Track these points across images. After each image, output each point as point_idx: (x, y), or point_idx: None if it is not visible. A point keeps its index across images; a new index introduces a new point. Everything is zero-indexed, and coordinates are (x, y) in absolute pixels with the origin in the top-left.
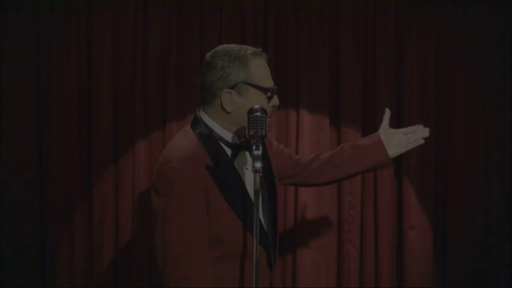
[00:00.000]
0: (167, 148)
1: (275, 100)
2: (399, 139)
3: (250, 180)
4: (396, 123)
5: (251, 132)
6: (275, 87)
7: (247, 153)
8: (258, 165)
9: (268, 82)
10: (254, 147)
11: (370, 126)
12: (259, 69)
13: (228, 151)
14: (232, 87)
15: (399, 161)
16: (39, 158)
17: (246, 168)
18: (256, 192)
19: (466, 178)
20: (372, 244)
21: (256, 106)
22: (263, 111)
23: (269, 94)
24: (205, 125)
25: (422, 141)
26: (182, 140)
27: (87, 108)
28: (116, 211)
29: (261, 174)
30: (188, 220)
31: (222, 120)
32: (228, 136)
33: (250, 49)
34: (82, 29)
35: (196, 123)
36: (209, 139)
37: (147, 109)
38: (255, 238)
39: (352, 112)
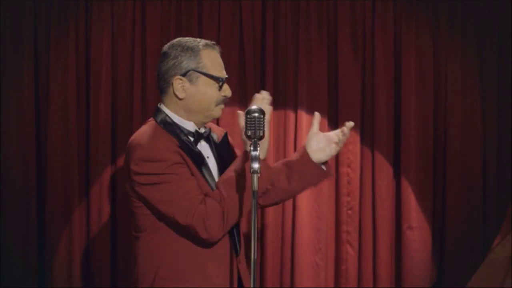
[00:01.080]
0: (134, 137)
1: (227, 91)
2: (325, 143)
3: (213, 169)
4: (395, 123)
5: (249, 133)
6: (227, 77)
7: (207, 143)
8: (256, 165)
9: (219, 72)
10: (251, 148)
11: (368, 126)
12: (210, 59)
13: (190, 140)
14: (183, 74)
15: (398, 161)
16: (37, 159)
17: (208, 157)
18: (253, 193)
19: (464, 178)
20: (371, 245)
21: (254, 107)
22: (261, 111)
23: (220, 83)
24: (166, 115)
25: (347, 135)
26: (147, 128)
27: (85, 108)
28: (114, 211)
29: (259, 175)
30: (189, 177)
31: (178, 109)
32: (187, 125)
33: (203, 41)
34: (80, 29)
35: (157, 114)
36: (171, 126)
37: (145, 109)
38: (253, 238)
39: (350, 113)
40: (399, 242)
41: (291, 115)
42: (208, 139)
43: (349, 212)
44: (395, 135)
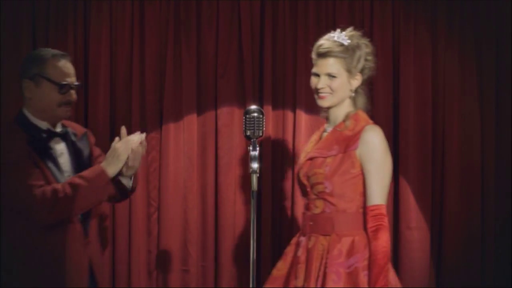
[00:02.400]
0: None
1: (70, 96)
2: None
3: (64, 163)
4: (393, 123)
5: (248, 133)
6: (67, 84)
7: (63, 141)
8: (255, 165)
9: (62, 79)
10: (251, 148)
11: None
12: (55, 67)
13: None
14: (30, 78)
15: (396, 161)
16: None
17: (62, 153)
18: (252, 193)
19: (463, 178)
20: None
21: (253, 107)
22: (260, 112)
23: (63, 90)
24: (23, 114)
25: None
26: (4, 126)
27: (84, 109)
28: (113, 211)
29: (258, 175)
30: (30, 167)
31: (29, 108)
32: (41, 124)
33: (53, 51)
34: (78, 30)
35: (18, 113)
36: (25, 124)
37: (143, 110)
38: (252, 238)
39: None
40: (397, 242)
41: (289, 115)
42: (65, 137)
43: None
44: (393, 135)
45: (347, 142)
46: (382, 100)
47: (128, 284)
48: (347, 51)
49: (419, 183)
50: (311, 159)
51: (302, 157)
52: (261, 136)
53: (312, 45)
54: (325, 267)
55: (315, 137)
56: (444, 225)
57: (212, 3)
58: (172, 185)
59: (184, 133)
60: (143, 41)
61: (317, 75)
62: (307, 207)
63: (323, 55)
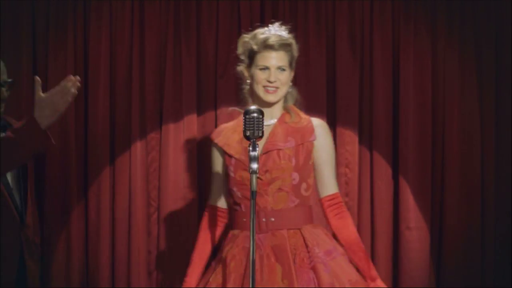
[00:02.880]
0: None
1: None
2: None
3: None
4: (393, 124)
5: (248, 133)
6: (3, 81)
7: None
8: (255, 166)
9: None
10: (251, 148)
11: (367, 127)
12: None
13: None
14: None
15: (396, 162)
16: (35, 160)
17: None
18: (252, 193)
19: (463, 179)
20: (369, 245)
21: (253, 107)
22: (260, 112)
23: None
24: None
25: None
26: None
27: (84, 109)
28: (113, 211)
29: (257, 175)
30: None
31: None
32: None
33: None
34: (78, 30)
35: None
36: None
37: (143, 110)
38: (252, 238)
39: (348, 113)
40: (397, 242)
41: None
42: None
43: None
44: (393, 135)
45: (302, 133)
46: (382, 100)
47: (127, 284)
48: (291, 45)
49: (419, 183)
50: (266, 152)
51: (239, 154)
52: (261, 136)
53: (311, 44)
54: (309, 261)
55: (237, 135)
56: (443, 225)
57: (211, 3)
58: (172, 185)
59: (184, 133)
60: (143, 41)
61: (266, 68)
62: (258, 205)
63: (272, 47)
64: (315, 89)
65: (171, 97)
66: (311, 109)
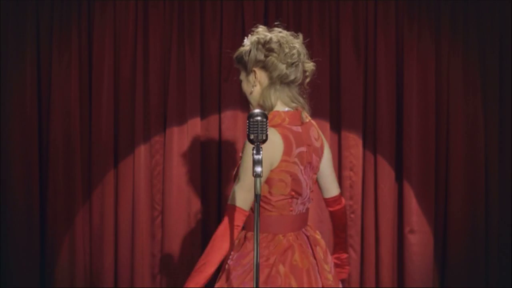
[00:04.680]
0: None
1: None
2: None
3: None
4: (397, 127)
5: (252, 136)
6: None
7: None
8: (259, 169)
9: None
10: (254, 152)
11: (371, 130)
12: None
13: None
14: None
15: (400, 165)
16: (40, 162)
17: None
18: (256, 196)
19: (466, 182)
20: (373, 248)
21: (256, 111)
22: (264, 115)
23: None
24: None
25: None
26: None
27: (88, 111)
28: (116, 215)
29: (261, 178)
30: None
31: None
32: None
33: None
34: (82, 30)
35: None
36: None
37: (147, 113)
38: (256, 241)
39: (352, 116)
40: (401, 245)
41: None
42: None
43: (352, 215)
44: (397, 138)
45: None
46: (386, 103)
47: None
48: (240, 57)
49: (422, 186)
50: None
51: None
52: (265, 139)
53: (315, 46)
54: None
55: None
56: (447, 229)
57: (215, 4)
58: (176, 189)
59: (188, 137)
60: (146, 44)
61: None
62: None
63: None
64: (319, 92)
65: (175, 101)
66: (315, 113)
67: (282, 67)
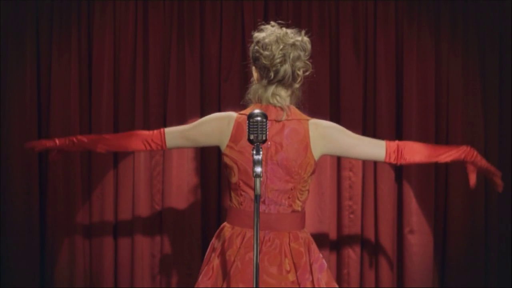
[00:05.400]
0: None
1: None
2: None
3: None
4: (396, 127)
5: (252, 137)
6: None
7: None
8: (259, 169)
9: None
10: (254, 152)
11: (370, 130)
12: None
13: None
14: None
15: (400, 166)
16: (39, 162)
17: None
18: (256, 197)
19: (466, 182)
20: (372, 249)
21: (257, 111)
22: (264, 115)
23: None
24: None
25: None
26: None
27: (88, 110)
28: (116, 215)
29: (261, 179)
30: None
31: None
32: None
33: None
34: (82, 30)
35: None
36: None
37: (147, 113)
38: (256, 241)
39: (352, 116)
40: (400, 246)
41: None
42: None
43: (351, 216)
44: (397, 138)
45: None
46: (385, 103)
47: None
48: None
49: (422, 186)
50: None
51: None
52: (265, 140)
53: (315, 46)
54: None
55: None
56: (447, 229)
57: (215, 4)
58: (176, 189)
59: None
60: (146, 44)
61: None
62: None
63: None
64: (318, 92)
65: (174, 101)
66: (315, 113)
67: (266, 67)
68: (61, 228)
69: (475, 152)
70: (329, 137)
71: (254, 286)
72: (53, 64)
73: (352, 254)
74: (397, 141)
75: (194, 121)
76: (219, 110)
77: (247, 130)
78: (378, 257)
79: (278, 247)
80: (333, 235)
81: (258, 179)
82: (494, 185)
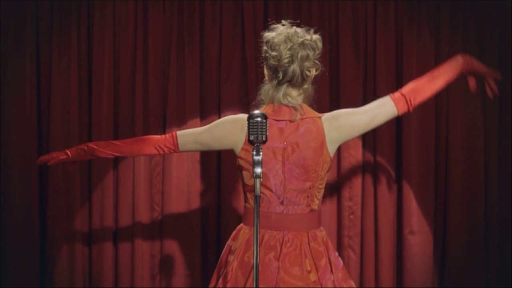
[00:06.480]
0: None
1: None
2: None
3: None
4: (396, 127)
5: (252, 138)
6: None
7: None
8: (259, 170)
9: None
10: (254, 153)
11: (370, 131)
12: None
13: None
14: None
15: (399, 166)
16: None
17: None
18: (256, 198)
19: (466, 183)
20: (372, 249)
21: (257, 112)
22: (264, 116)
23: None
24: None
25: None
26: None
27: (87, 111)
28: (116, 215)
29: (261, 179)
30: None
31: None
32: None
33: None
34: (82, 30)
35: None
36: None
37: (147, 114)
38: (256, 242)
39: None
40: (400, 246)
41: None
42: None
43: (351, 216)
44: (396, 139)
45: None
46: None
47: None
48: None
49: (422, 187)
50: None
51: None
52: (265, 140)
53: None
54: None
55: None
56: (447, 230)
57: (215, 4)
58: (176, 190)
59: None
60: (146, 44)
61: None
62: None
63: None
64: (318, 92)
65: (174, 101)
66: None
67: (275, 67)
68: (61, 228)
69: (470, 60)
70: (345, 125)
71: (254, 286)
72: (53, 65)
73: (352, 255)
74: (399, 91)
75: (194, 121)
76: (219, 110)
77: (247, 131)
78: (378, 257)
79: (298, 247)
80: (333, 236)
81: (258, 180)
82: (490, 88)
